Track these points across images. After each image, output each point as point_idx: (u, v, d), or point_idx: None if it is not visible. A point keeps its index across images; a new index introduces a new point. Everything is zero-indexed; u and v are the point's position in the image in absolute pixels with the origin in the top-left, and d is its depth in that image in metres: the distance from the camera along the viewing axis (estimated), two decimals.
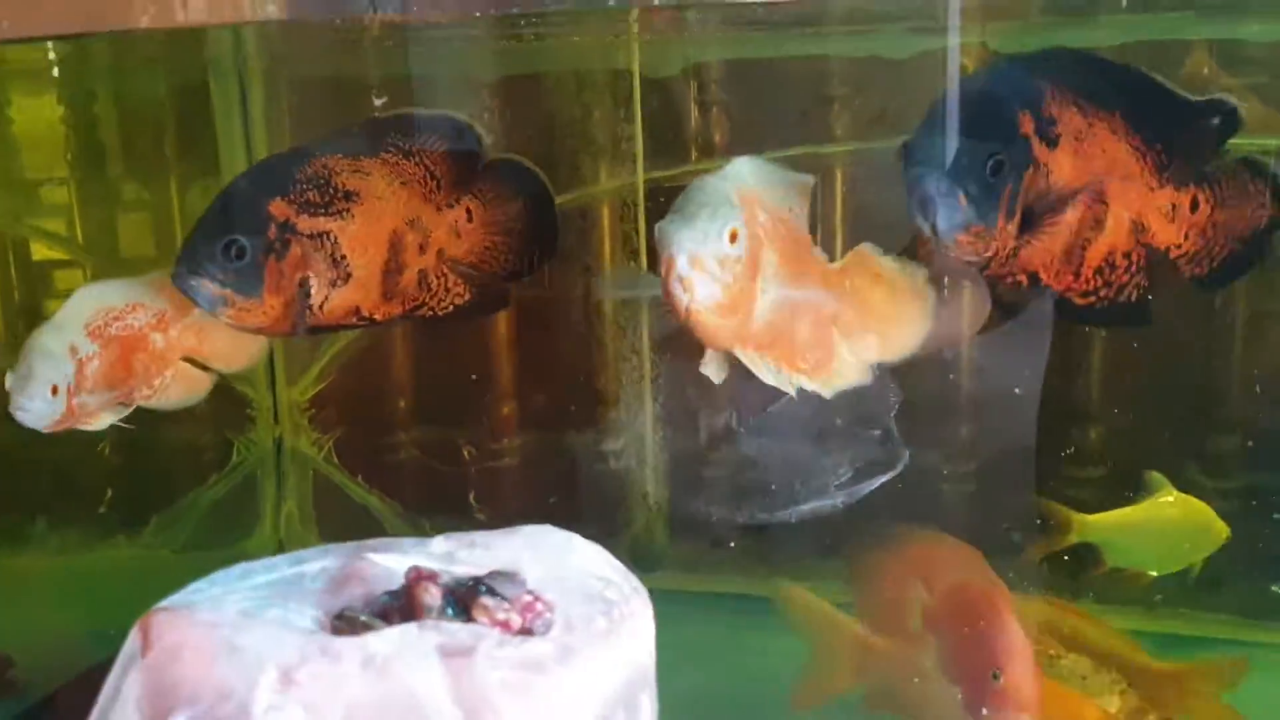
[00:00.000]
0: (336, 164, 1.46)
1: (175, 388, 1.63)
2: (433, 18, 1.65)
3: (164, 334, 1.59)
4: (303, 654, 0.81)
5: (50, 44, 1.64)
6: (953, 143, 1.24)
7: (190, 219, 1.60)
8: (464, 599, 0.90)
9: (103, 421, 1.55)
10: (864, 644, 1.41)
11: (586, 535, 1.03)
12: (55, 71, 1.94)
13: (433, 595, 0.90)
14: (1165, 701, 1.46)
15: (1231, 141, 1.38)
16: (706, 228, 1.21)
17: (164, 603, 0.92)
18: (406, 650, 0.83)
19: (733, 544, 1.86)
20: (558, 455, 1.89)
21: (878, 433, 1.54)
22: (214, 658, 0.81)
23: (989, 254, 1.29)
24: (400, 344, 2.06)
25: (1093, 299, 1.38)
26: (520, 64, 1.86)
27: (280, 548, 2.16)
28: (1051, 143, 1.30)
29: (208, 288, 1.36)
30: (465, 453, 2.00)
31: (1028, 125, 1.30)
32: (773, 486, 1.63)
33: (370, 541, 1.04)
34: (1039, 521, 1.65)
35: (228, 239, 1.36)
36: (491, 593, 0.90)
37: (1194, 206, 1.39)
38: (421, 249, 1.53)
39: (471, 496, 1.99)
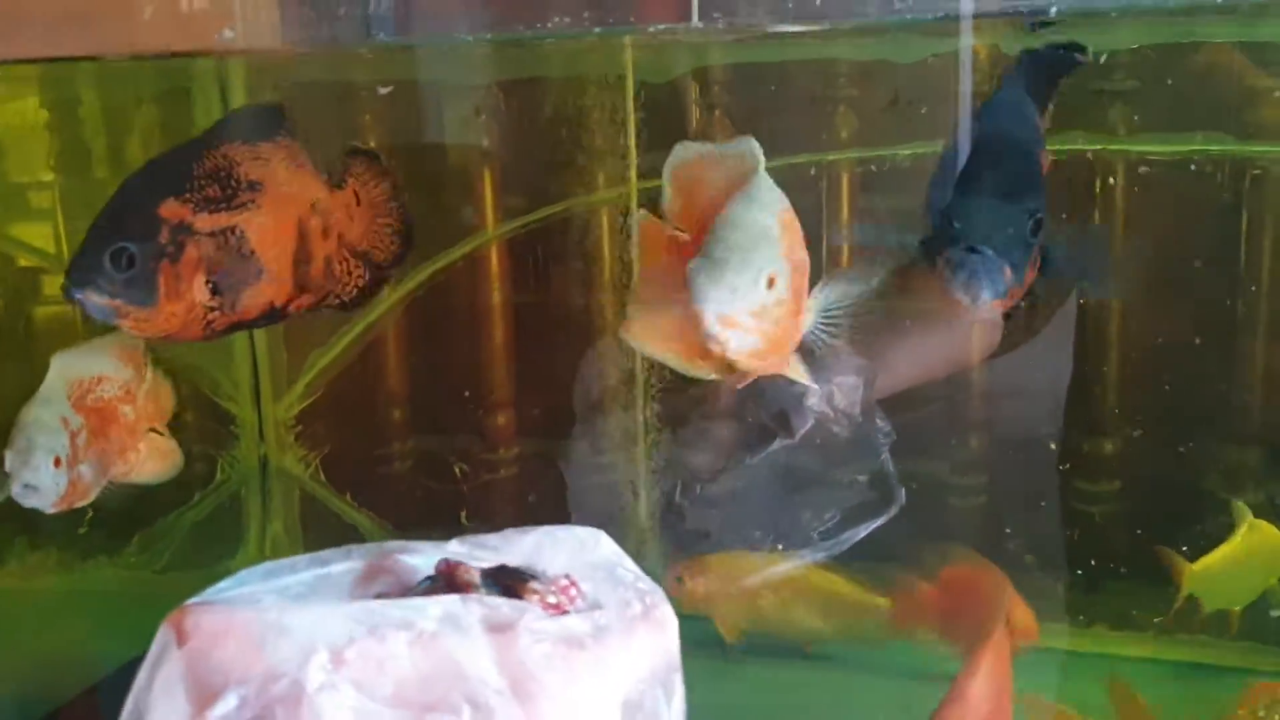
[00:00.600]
0: (236, 153, 1.39)
1: (150, 463, 1.59)
2: (427, 43, 1.68)
3: (132, 405, 1.56)
4: (350, 634, 0.82)
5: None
6: (988, 207, 1.20)
7: None
8: (504, 580, 0.92)
9: (91, 497, 1.50)
10: None
11: None
12: (37, 75, 1.92)
13: (472, 575, 0.92)
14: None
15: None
16: (736, 281, 1.02)
17: (193, 600, 0.93)
18: (450, 624, 0.84)
19: None
20: (551, 471, 1.90)
21: (869, 475, 1.52)
22: (262, 640, 0.82)
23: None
24: (388, 358, 2.06)
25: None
26: (517, 68, 1.88)
27: None
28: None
29: (94, 299, 1.29)
30: (457, 469, 2.00)
31: (1046, 163, 1.30)
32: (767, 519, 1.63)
33: (389, 544, 1.05)
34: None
35: (115, 247, 1.29)
36: (532, 576, 0.92)
37: None
38: (325, 234, 1.47)
39: (464, 514, 1.99)
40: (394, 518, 2.05)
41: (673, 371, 1.20)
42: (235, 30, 1.30)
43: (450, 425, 2.03)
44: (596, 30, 1.22)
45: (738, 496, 1.60)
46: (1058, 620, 1.65)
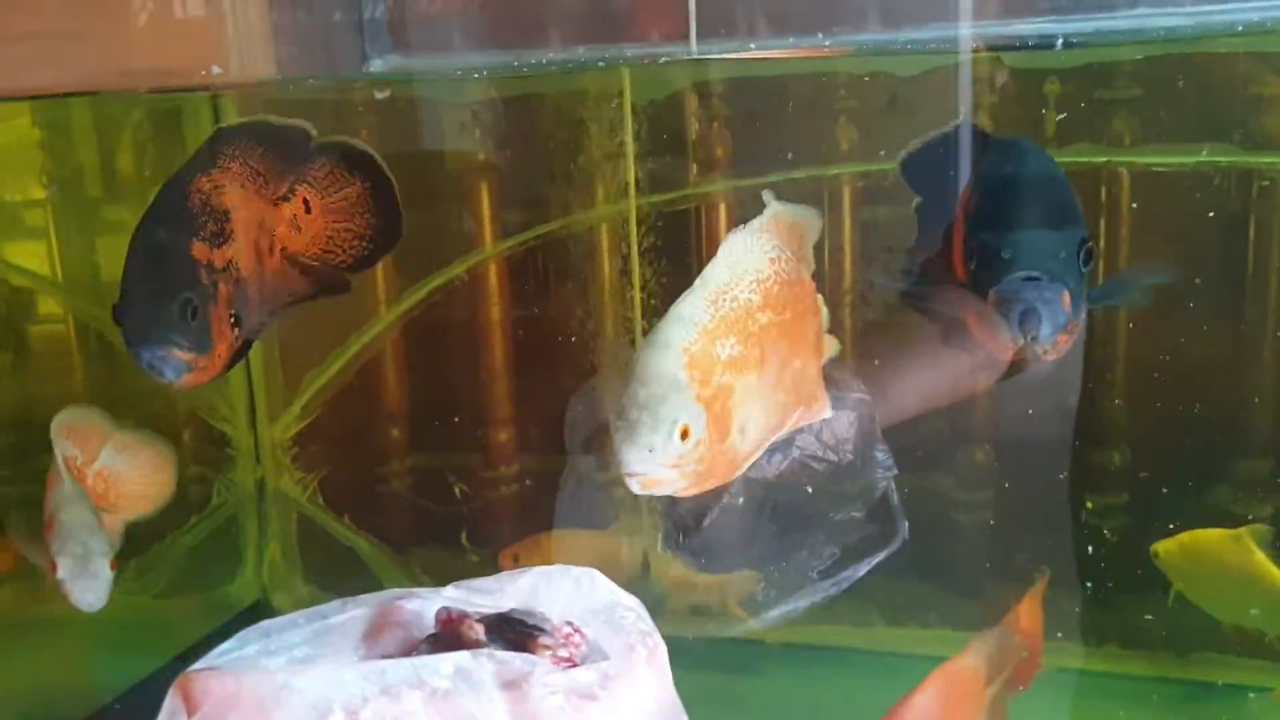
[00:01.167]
0: (205, 185, 1.37)
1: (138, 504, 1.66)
2: (425, 74, 1.65)
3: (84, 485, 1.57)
4: (363, 693, 0.81)
5: None
6: (1041, 234, 1.10)
7: None
8: (508, 633, 0.90)
9: None
10: None
11: None
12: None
13: (477, 631, 0.90)
14: None
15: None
16: (649, 440, 1.02)
17: (196, 666, 0.91)
18: (464, 680, 0.83)
19: None
20: (552, 493, 1.87)
21: (868, 510, 1.46)
22: (275, 705, 0.80)
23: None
24: (385, 378, 2.04)
25: None
26: (512, 85, 1.86)
27: (264, 592, 2.11)
28: None
29: (177, 357, 1.24)
30: (457, 489, 1.98)
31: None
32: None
33: (386, 592, 1.04)
34: None
35: (181, 299, 1.25)
36: (539, 629, 0.90)
37: None
38: (270, 250, 1.45)
39: (464, 535, 1.96)
40: (393, 539, 2.03)
41: None
42: (224, 67, 1.28)
43: (449, 445, 2.01)
44: (600, 63, 1.20)
45: (734, 529, 1.57)
46: (1071, 639, 1.64)
